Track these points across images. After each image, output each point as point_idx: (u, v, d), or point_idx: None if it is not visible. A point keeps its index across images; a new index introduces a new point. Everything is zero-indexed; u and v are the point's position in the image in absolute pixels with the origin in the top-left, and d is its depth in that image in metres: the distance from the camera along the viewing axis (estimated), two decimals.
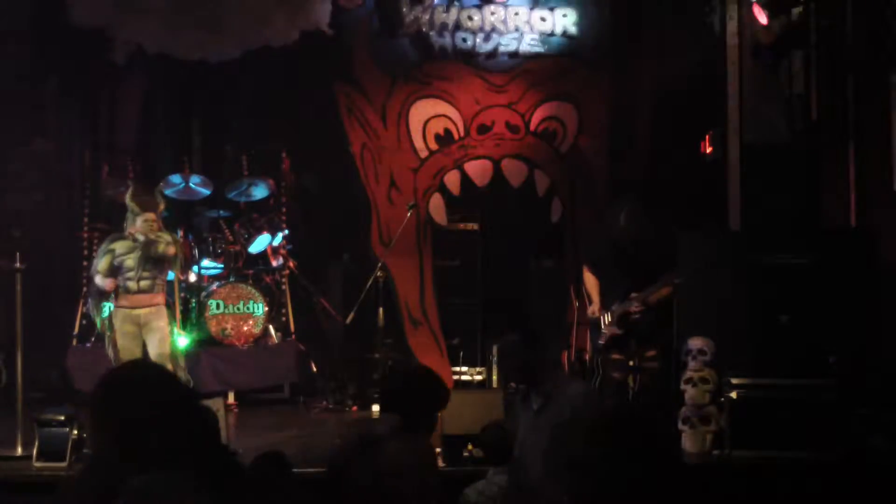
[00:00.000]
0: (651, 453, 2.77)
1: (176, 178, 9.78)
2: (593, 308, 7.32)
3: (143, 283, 7.78)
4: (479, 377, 9.25)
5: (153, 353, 7.77)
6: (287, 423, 8.26)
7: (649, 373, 7.13)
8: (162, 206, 8.06)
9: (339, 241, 10.59)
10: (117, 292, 7.82)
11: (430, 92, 9.53)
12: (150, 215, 7.83)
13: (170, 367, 7.79)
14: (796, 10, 8.52)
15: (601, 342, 7.26)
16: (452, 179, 9.53)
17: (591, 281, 7.48)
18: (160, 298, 7.89)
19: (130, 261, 7.76)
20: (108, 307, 8.93)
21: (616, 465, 2.74)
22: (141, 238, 7.72)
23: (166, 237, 7.86)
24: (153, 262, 7.77)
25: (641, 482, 2.70)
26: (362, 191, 9.49)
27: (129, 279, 7.76)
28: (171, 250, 7.79)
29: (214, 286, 9.47)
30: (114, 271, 7.79)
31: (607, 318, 7.20)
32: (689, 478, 2.92)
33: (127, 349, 7.75)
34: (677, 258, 7.03)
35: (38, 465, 6.47)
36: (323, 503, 4.40)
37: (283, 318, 9.71)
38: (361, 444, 3.78)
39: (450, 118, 9.51)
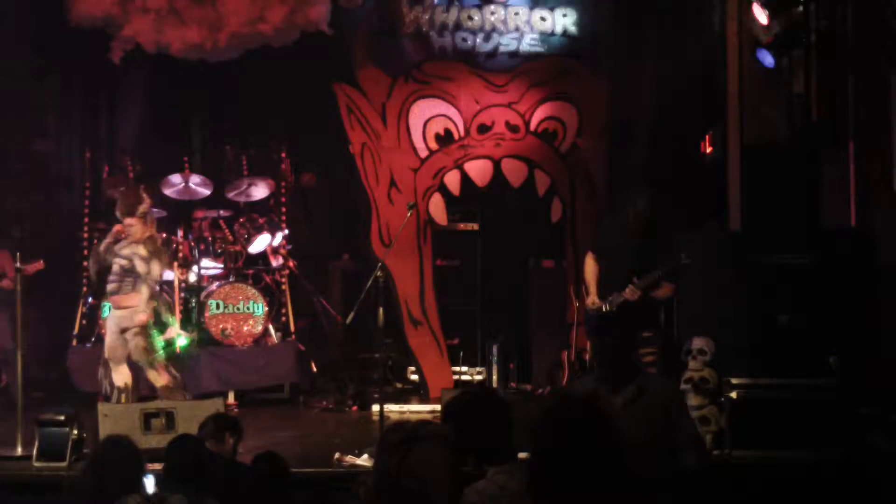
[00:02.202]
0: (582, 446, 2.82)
1: (176, 178, 9.79)
2: (591, 298, 7.23)
3: (111, 286, 7.65)
4: (479, 377, 9.26)
5: (132, 356, 7.60)
6: (287, 423, 8.25)
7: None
8: (143, 207, 7.66)
9: (339, 241, 10.59)
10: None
11: (430, 92, 9.51)
12: (128, 220, 7.59)
13: (149, 371, 7.59)
14: (796, 10, 8.51)
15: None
16: (452, 179, 9.51)
17: (591, 270, 7.33)
18: (131, 300, 7.56)
19: (115, 265, 7.64)
20: (109, 307, 8.96)
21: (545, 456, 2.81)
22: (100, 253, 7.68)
23: (143, 252, 7.62)
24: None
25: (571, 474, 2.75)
26: (362, 191, 9.48)
27: (107, 281, 7.69)
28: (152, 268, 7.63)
29: (214, 286, 9.47)
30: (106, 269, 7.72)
31: (606, 307, 7.16)
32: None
33: (111, 347, 7.61)
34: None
35: (38, 464, 6.47)
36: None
37: (283, 318, 9.70)
38: (400, 442, 3.80)
39: (450, 118, 9.49)
